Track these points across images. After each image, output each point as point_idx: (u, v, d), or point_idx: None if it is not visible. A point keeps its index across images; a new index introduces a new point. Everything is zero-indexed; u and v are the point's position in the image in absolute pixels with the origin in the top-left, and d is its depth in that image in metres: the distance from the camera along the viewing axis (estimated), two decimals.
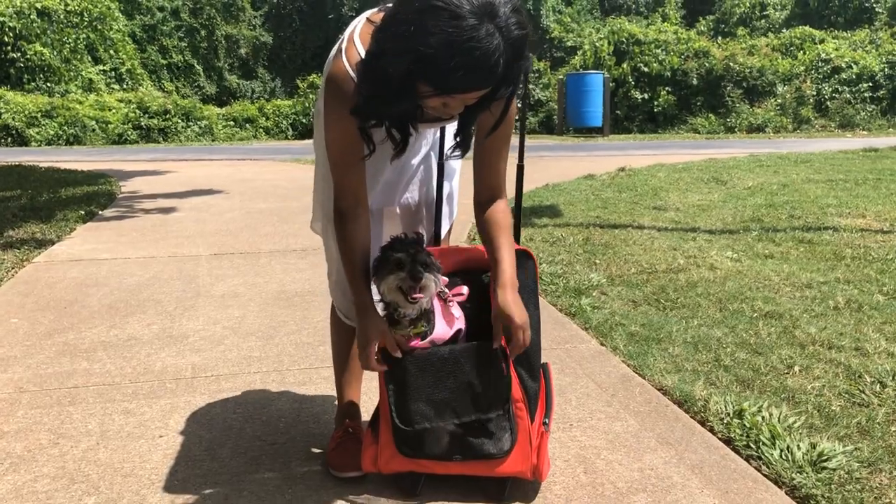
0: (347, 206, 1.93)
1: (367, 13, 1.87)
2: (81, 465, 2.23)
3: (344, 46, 1.82)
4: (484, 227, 2.01)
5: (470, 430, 1.97)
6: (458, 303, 2.05)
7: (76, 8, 23.75)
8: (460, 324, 2.01)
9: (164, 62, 28.35)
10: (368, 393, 2.50)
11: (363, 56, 1.75)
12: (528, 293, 2.06)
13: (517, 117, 2.16)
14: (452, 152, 1.98)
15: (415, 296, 1.84)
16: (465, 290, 2.06)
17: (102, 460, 2.25)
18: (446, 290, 2.01)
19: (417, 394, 1.92)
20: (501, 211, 2.02)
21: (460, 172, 2.31)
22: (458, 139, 1.91)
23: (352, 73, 1.77)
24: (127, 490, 2.08)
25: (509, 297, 1.89)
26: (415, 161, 2.16)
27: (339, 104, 1.81)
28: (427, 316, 1.94)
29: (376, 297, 1.97)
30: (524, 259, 2.09)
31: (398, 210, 2.21)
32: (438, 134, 2.16)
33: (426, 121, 1.90)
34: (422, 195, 2.22)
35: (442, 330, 1.97)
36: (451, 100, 1.66)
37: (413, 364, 1.92)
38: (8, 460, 2.25)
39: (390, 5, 1.65)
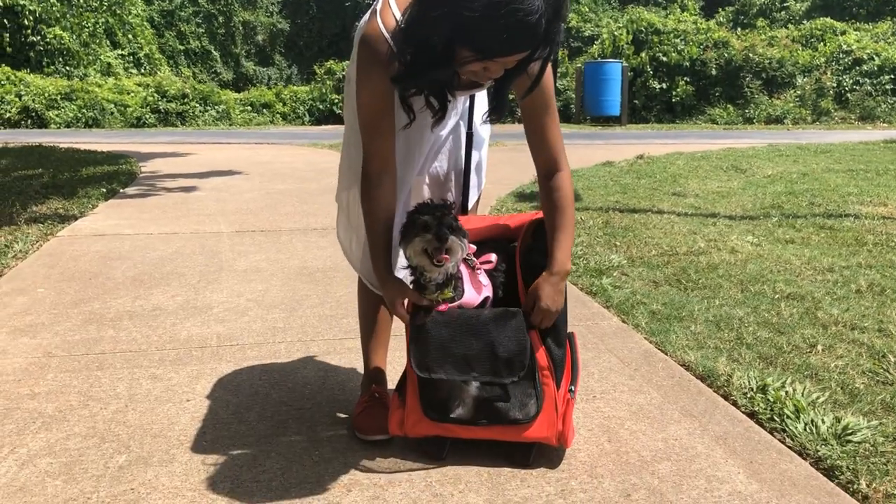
0: (374, 171, 1.95)
1: None
2: (111, 425, 2.26)
3: (379, 8, 1.82)
4: (544, 207, 2.02)
5: (495, 395, 1.99)
6: (487, 271, 2.06)
7: None
8: (488, 291, 2.03)
9: (182, 48, 28.46)
10: (394, 361, 2.52)
11: (399, 20, 1.75)
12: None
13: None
14: (488, 117, 1.98)
15: (441, 258, 1.85)
16: (493, 257, 2.07)
17: (131, 421, 2.28)
18: (474, 259, 2.02)
19: (437, 346, 1.93)
20: (559, 188, 1.99)
21: (488, 153, 2.32)
22: (493, 104, 1.92)
23: (386, 35, 1.77)
24: (157, 449, 2.11)
25: (548, 283, 1.92)
26: (444, 131, 2.17)
27: (371, 65, 1.82)
28: (454, 282, 1.95)
29: (403, 262, 1.99)
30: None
31: (427, 179, 2.22)
32: (468, 103, 2.16)
33: (461, 88, 1.91)
34: (450, 164, 2.23)
35: (470, 296, 1.98)
36: (492, 64, 1.66)
37: (438, 318, 1.94)
38: (40, 419, 2.29)
39: None
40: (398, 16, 1.77)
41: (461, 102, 2.14)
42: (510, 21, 1.54)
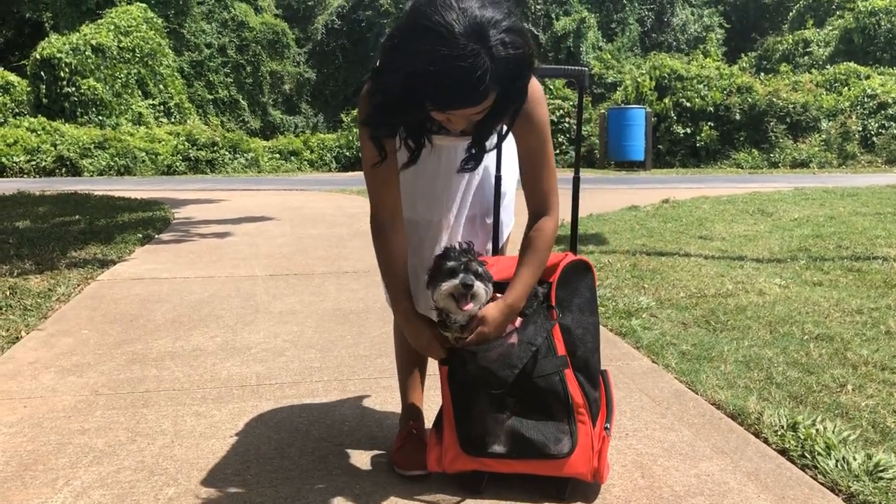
0: (385, 220, 2.04)
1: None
2: (159, 459, 2.34)
3: (373, 69, 1.95)
4: (522, 243, 2.08)
5: (531, 430, 2.04)
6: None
7: (129, 45, 24.57)
8: (514, 336, 2.08)
9: (211, 97, 29.07)
10: (430, 399, 2.59)
11: None
12: (586, 302, 2.16)
13: (573, 131, 2.25)
14: (465, 164, 2.02)
15: (465, 307, 1.93)
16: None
17: (178, 456, 2.37)
18: (499, 297, 2.09)
19: (470, 382, 2.01)
20: (541, 230, 2.05)
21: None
22: (469, 153, 1.98)
23: None
24: (204, 483, 2.19)
25: (498, 310, 1.98)
26: (476, 175, 2.26)
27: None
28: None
29: (430, 303, 2.07)
30: (583, 271, 2.18)
31: (462, 221, 2.31)
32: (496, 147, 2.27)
33: (452, 135, 2.00)
34: (482, 206, 2.31)
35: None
36: (451, 115, 1.75)
37: (470, 356, 2.01)
38: (91, 454, 2.38)
39: None
40: None
41: (491, 144, 2.23)
42: (451, 79, 1.61)
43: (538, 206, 2.07)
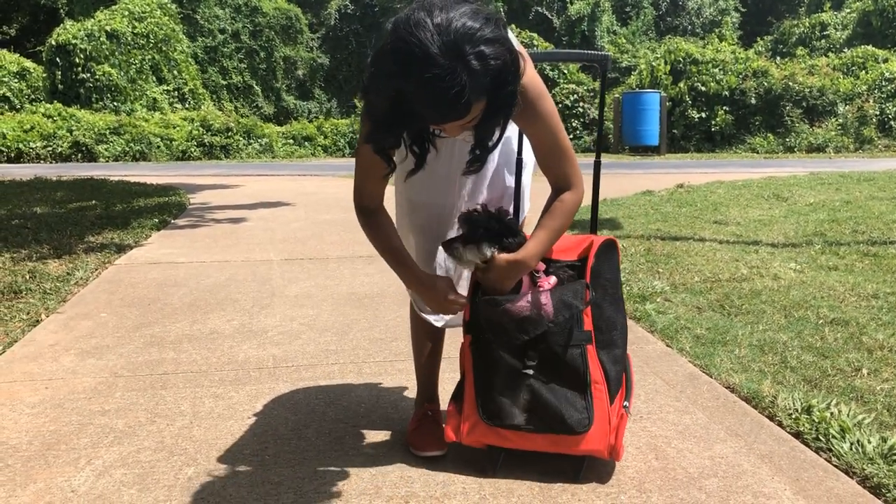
0: (372, 206, 2.09)
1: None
2: (178, 440, 2.38)
3: (361, 88, 1.95)
4: (543, 210, 2.10)
5: (550, 404, 2.05)
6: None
7: (143, 30, 24.64)
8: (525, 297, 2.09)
9: (224, 83, 29.12)
10: (445, 381, 2.61)
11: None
12: (612, 282, 2.18)
13: (587, 115, 2.24)
14: (469, 167, 2.01)
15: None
16: (552, 279, 2.14)
17: (197, 437, 2.40)
18: (539, 274, 2.10)
19: (499, 328, 2.06)
20: (563, 200, 2.06)
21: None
22: (471, 157, 1.97)
23: None
24: (223, 463, 2.22)
25: (506, 262, 2.01)
26: (489, 162, 2.27)
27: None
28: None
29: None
30: (610, 249, 2.20)
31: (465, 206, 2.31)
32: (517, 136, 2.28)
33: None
34: (494, 192, 2.32)
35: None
36: (442, 126, 1.77)
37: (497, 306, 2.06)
38: (111, 434, 2.42)
39: None
40: None
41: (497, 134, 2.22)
42: (431, 96, 1.62)
43: (559, 184, 2.10)
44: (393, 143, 1.87)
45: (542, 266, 2.10)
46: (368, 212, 2.09)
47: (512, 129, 2.24)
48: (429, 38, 1.59)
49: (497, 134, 1.86)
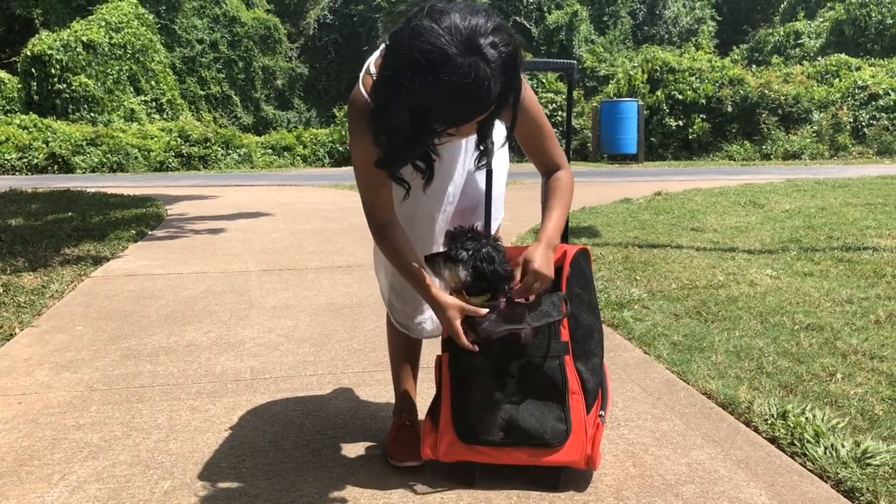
0: (384, 219, 2.06)
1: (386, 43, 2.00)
2: (154, 453, 2.36)
3: (361, 75, 1.96)
4: (543, 195, 2.15)
5: (527, 418, 2.06)
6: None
7: (120, 41, 24.52)
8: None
9: (203, 93, 29.01)
10: (423, 392, 2.60)
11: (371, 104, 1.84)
12: (587, 290, 2.20)
13: (565, 124, 2.26)
14: (479, 163, 2.06)
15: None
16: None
17: (174, 450, 2.38)
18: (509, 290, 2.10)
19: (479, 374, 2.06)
20: (559, 178, 2.14)
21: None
22: (478, 152, 2.01)
23: (366, 96, 1.88)
24: (199, 476, 2.20)
25: (539, 249, 2.02)
26: (462, 170, 2.28)
27: (358, 126, 1.91)
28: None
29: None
30: (584, 257, 2.23)
31: (449, 214, 2.32)
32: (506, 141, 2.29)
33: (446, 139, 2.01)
34: (468, 200, 2.33)
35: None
36: (462, 126, 1.78)
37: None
38: (87, 449, 2.40)
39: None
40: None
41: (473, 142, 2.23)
42: (460, 96, 1.64)
43: (548, 167, 2.16)
44: (410, 161, 1.87)
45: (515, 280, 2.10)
46: (382, 225, 2.06)
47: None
48: (445, 42, 1.61)
49: (511, 119, 1.88)
